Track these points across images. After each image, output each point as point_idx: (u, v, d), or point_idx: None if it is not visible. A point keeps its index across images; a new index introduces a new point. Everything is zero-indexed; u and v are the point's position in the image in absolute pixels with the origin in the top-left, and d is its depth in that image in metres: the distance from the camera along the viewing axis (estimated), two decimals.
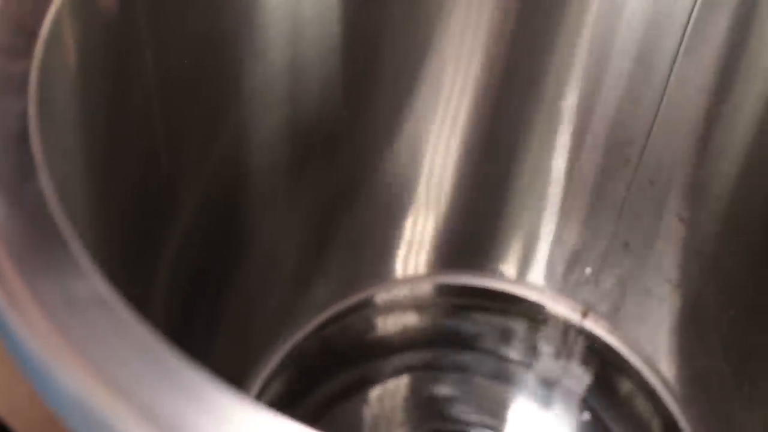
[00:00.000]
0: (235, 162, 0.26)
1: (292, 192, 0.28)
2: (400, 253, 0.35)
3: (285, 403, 0.33)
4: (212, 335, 0.28)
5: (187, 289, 0.25)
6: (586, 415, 0.34)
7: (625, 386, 0.34)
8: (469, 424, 0.33)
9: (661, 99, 0.29)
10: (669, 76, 0.29)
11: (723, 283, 0.30)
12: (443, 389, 0.34)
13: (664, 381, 0.34)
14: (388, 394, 0.34)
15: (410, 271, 0.35)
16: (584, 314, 0.36)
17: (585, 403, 0.34)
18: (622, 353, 0.35)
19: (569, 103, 0.29)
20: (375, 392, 0.34)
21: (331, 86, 0.27)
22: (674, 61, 0.28)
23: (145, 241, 0.23)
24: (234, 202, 0.26)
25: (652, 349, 0.34)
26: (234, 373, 0.31)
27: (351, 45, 0.26)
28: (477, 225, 0.34)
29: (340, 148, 0.29)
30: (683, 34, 0.28)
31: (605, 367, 0.35)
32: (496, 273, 0.35)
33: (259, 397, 0.32)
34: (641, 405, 0.34)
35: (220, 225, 0.26)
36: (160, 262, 0.24)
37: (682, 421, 0.33)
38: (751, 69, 0.26)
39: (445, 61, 0.28)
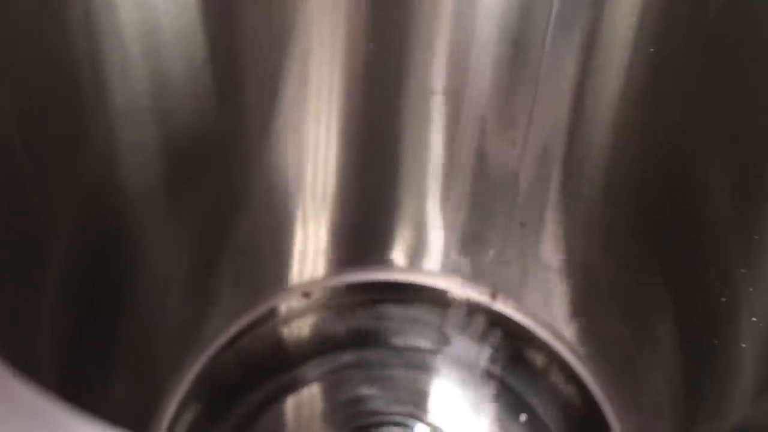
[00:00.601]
0: (107, 185, 0.25)
1: (174, 210, 0.28)
2: (296, 259, 0.35)
3: (204, 424, 0.32)
4: (110, 369, 0.27)
5: (75, 326, 0.25)
6: (501, 392, 0.34)
7: (539, 360, 0.35)
8: (390, 415, 0.33)
9: (537, 80, 0.30)
10: (542, 56, 0.29)
11: (611, 251, 0.31)
12: (361, 387, 0.34)
13: (573, 351, 0.35)
14: (308, 400, 0.34)
15: (309, 275, 0.35)
16: (493, 296, 0.36)
17: (501, 382, 0.35)
18: (531, 329, 0.35)
19: (438, 90, 0.29)
20: (294, 400, 0.34)
21: (200, 100, 0.26)
22: (544, 42, 0.29)
23: (21, 281, 0.22)
24: (113, 227, 0.26)
25: (560, 322, 0.35)
26: (142, 402, 0.30)
27: (215, 58, 0.25)
28: (368, 220, 0.34)
29: (218, 161, 0.28)
30: (549, 15, 0.28)
31: (517, 344, 0.35)
32: (394, 265, 0.36)
33: (175, 421, 0.32)
34: (555, 377, 0.35)
35: (102, 253, 0.25)
36: (41, 301, 0.23)
37: (594, 387, 0.34)
38: (612, 44, 0.27)
39: (308, 62, 0.28)
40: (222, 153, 0.29)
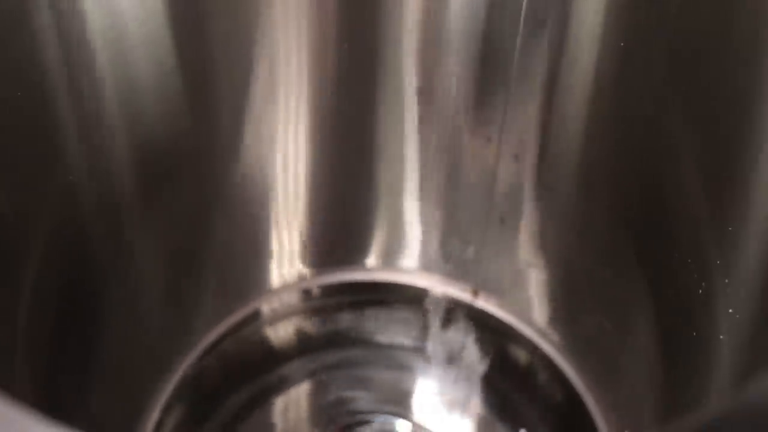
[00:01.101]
0: (78, 196, 0.25)
1: (148, 215, 0.28)
2: (274, 262, 0.35)
3: (188, 428, 0.32)
4: (90, 376, 0.27)
5: (52, 334, 0.24)
6: (488, 391, 0.34)
7: (522, 357, 0.35)
8: (374, 414, 0.33)
9: (509, 76, 0.30)
10: (513, 53, 0.29)
11: (588, 245, 0.31)
12: (344, 388, 0.34)
13: (556, 347, 0.35)
14: (292, 402, 0.34)
15: (288, 277, 0.35)
16: (474, 293, 0.36)
17: (485, 380, 0.35)
18: (514, 326, 0.36)
19: (411, 89, 0.29)
20: (278, 403, 0.34)
21: (170, 105, 0.26)
22: (515, 38, 0.29)
23: None
24: (86, 234, 0.26)
25: (541, 318, 0.35)
26: (124, 409, 0.30)
27: (183, 63, 0.25)
28: (345, 221, 0.34)
29: (189, 166, 0.28)
30: (520, 12, 0.28)
31: (499, 340, 0.35)
32: (373, 265, 0.36)
33: (160, 425, 0.32)
34: (540, 373, 0.35)
35: (77, 260, 0.25)
36: (17, 310, 0.23)
37: (578, 383, 0.34)
38: (581, 39, 0.27)
39: (277, 65, 0.28)
40: (194, 157, 0.29)
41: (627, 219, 0.30)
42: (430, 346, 0.35)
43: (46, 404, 0.23)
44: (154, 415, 0.31)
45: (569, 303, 0.34)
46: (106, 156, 0.25)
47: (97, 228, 0.26)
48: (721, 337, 0.26)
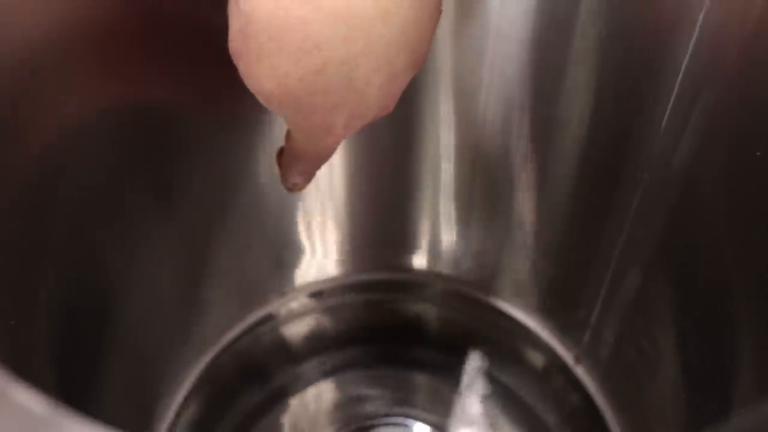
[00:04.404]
0: (96, 198, 0.25)
1: (168, 216, 0.28)
2: (301, 260, 0.35)
3: (205, 423, 0.32)
4: (107, 372, 0.27)
5: (72, 332, 0.24)
6: (502, 394, 0.34)
7: (538, 360, 0.35)
8: (389, 416, 0.33)
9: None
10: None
11: (613, 256, 0.31)
12: (362, 388, 0.34)
13: (575, 358, 0.35)
14: (307, 401, 0.34)
15: (311, 277, 0.35)
16: (488, 292, 0.36)
17: (499, 382, 0.34)
18: (531, 328, 0.35)
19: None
20: (294, 402, 0.34)
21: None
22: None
23: (17, 290, 0.22)
24: (102, 237, 0.26)
25: (565, 327, 0.35)
26: (142, 401, 0.30)
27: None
28: (377, 220, 0.34)
29: (211, 168, 0.28)
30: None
31: (517, 345, 0.35)
32: (393, 264, 0.36)
33: (175, 421, 0.32)
34: (556, 380, 0.35)
35: (92, 264, 0.25)
36: (37, 310, 0.23)
37: (582, 375, 0.34)
38: (585, 34, 0.27)
39: None
40: (217, 155, 0.29)
41: (654, 230, 0.30)
42: (448, 348, 0.35)
43: (66, 398, 0.23)
44: (171, 411, 0.31)
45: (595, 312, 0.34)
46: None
47: (114, 226, 0.26)
48: (744, 351, 0.26)
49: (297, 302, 0.35)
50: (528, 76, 0.29)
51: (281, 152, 0.24)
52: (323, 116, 0.21)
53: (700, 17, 0.24)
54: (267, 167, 0.31)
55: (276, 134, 0.30)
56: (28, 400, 0.13)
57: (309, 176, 0.25)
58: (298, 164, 0.24)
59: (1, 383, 0.13)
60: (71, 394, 0.23)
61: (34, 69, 0.21)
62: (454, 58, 0.29)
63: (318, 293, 0.36)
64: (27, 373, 0.20)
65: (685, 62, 0.25)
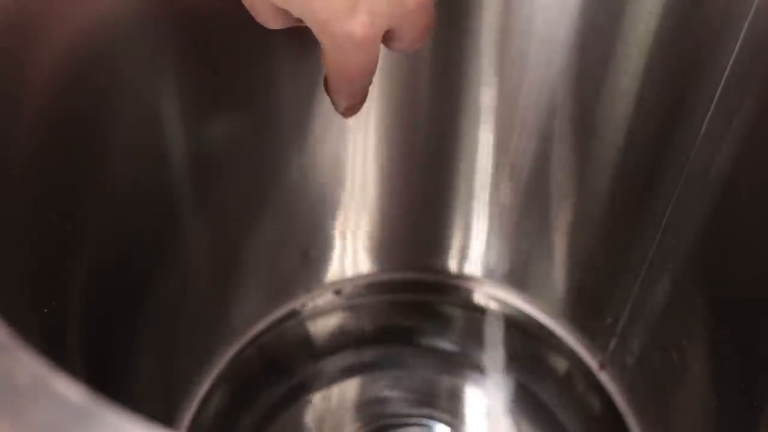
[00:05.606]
0: (131, 184, 0.25)
1: (201, 208, 0.28)
2: (330, 256, 0.35)
3: (227, 415, 0.32)
4: (139, 357, 0.27)
5: (103, 320, 0.25)
6: (525, 397, 0.34)
7: (562, 365, 0.35)
8: (411, 417, 0.33)
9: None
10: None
11: (644, 268, 0.31)
12: (384, 387, 0.34)
13: (601, 364, 0.34)
14: (330, 398, 0.34)
15: (338, 274, 0.35)
16: (519, 295, 0.36)
17: (524, 387, 0.34)
18: (557, 334, 0.35)
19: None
20: (317, 397, 0.34)
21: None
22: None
23: (50, 277, 0.22)
24: (138, 228, 0.26)
25: (592, 333, 0.35)
26: (168, 391, 0.31)
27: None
28: (406, 221, 0.34)
29: (245, 162, 0.28)
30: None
31: (541, 349, 0.35)
32: (422, 266, 0.36)
33: (200, 411, 0.32)
34: (580, 385, 0.34)
35: (126, 253, 0.26)
36: (69, 298, 0.23)
37: (606, 382, 0.34)
38: (627, 40, 0.27)
39: None
40: (252, 154, 0.29)
41: (686, 249, 0.29)
42: (473, 351, 0.35)
43: (96, 384, 0.23)
44: (197, 400, 0.32)
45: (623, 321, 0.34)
46: (161, 149, 0.26)
47: (149, 216, 0.26)
48: None
49: (323, 299, 0.36)
50: (569, 81, 0.29)
51: (326, 80, 0.24)
52: None
53: (746, 23, 0.24)
54: (300, 163, 0.31)
55: (309, 132, 0.30)
56: (67, 389, 0.13)
57: (356, 96, 0.24)
58: (340, 83, 0.23)
59: (41, 372, 0.13)
60: (101, 382, 0.23)
61: None
62: (497, 60, 0.29)
63: (345, 291, 0.36)
64: (61, 361, 0.20)
65: (727, 69, 0.25)
